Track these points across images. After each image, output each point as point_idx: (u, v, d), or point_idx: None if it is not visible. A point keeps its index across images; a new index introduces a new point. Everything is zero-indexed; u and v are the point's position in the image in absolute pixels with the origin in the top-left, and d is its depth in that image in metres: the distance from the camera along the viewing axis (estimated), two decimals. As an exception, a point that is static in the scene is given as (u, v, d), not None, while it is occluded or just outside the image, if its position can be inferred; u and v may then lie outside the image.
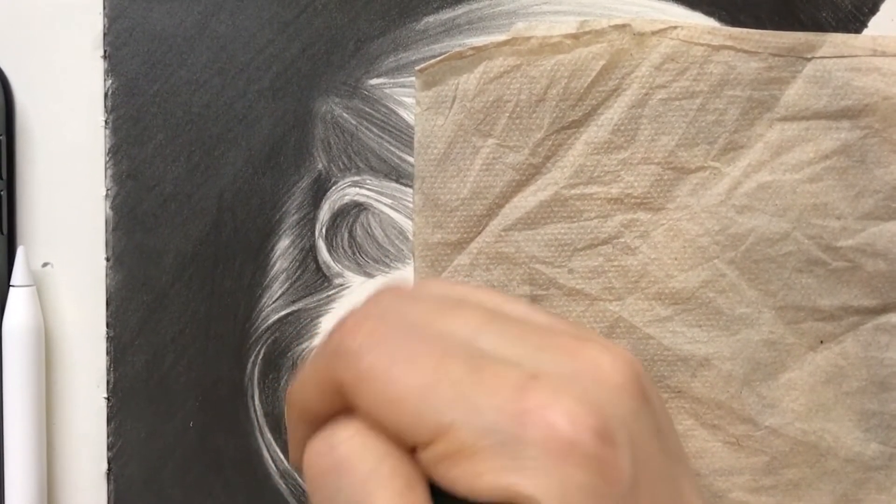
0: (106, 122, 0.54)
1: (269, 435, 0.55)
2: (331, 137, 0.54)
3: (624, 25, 0.51)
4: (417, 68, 0.53)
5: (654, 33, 0.51)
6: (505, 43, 0.52)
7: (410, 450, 0.31)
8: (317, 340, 0.55)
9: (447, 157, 0.53)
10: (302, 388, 0.34)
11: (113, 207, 0.55)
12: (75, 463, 0.56)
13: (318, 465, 0.31)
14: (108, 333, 0.55)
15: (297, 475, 0.55)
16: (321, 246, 0.55)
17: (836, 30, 0.53)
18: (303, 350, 0.55)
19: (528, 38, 0.52)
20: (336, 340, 0.32)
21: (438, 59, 0.52)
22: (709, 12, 0.53)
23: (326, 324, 0.55)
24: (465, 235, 0.53)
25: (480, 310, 0.34)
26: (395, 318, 0.33)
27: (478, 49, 0.52)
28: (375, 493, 0.30)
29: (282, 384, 0.55)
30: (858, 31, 0.53)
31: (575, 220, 0.52)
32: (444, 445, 0.29)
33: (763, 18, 0.53)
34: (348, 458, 0.31)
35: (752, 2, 0.53)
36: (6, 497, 0.54)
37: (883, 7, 0.53)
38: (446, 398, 0.29)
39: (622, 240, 0.52)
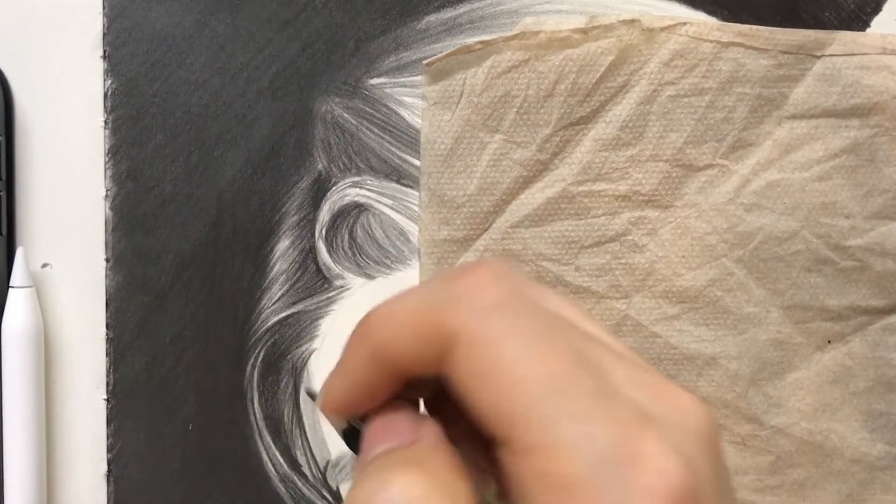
0: (105, 122, 0.54)
1: (268, 438, 0.55)
2: (331, 137, 0.54)
3: (633, 21, 0.51)
4: (425, 62, 0.52)
5: (663, 29, 0.51)
6: (513, 37, 0.52)
7: (485, 442, 0.28)
8: (317, 343, 0.55)
9: (454, 153, 0.52)
10: (391, 322, 0.30)
11: (112, 208, 0.54)
12: (75, 464, 0.56)
13: None
14: (107, 334, 0.55)
15: (293, 475, 0.55)
16: (321, 247, 0.54)
17: (838, 29, 0.53)
18: (303, 352, 0.55)
19: (537, 33, 0.52)
20: (463, 288, 0.29)
21: (446, 53, 0.52)
22: (711, 11, 0.53)
23: (327, 326, 0.55)
24: (471, 232, 0.53)
25: (600, 325, 0.31)
26: (526, 293, 0.30)
27: (486, 43, 0.52)
28: None
29: (281, 387, 0.55)
30: (861, 30, 0.53)
31: (582, 217, 0.52)
32: (545, 465, 0.27)
33: (765, 17, 0.53)
34: None
35: (755, 1, 0.53)
36: (6, 498, 0.54)
37: (886, 6, 0.53)
38: (567, 409, 0.27)
39: (629, 237, 0.52)
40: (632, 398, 0.28)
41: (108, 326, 0.55)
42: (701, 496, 0.27)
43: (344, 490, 0.55)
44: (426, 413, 0.33)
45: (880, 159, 0.52)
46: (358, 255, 0.54)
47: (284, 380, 0.55)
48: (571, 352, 0.28)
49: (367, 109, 0.54)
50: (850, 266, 0.52)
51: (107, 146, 0.54)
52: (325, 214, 0.54)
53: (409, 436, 0.31)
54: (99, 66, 0.54)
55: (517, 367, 0.27)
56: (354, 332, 0.31)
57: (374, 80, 0.54)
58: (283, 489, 0.55)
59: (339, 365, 0.32)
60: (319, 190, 0.54)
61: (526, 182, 0.52)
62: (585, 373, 0.28)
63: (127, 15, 0.54)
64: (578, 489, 0.26)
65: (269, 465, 0.55)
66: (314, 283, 0.55)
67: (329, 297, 0.55)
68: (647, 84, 0.52)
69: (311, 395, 0.52)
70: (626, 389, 0.28)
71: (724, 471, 0.30)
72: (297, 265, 0.55)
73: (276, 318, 0.55)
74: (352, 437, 0.38)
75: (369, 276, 0.55)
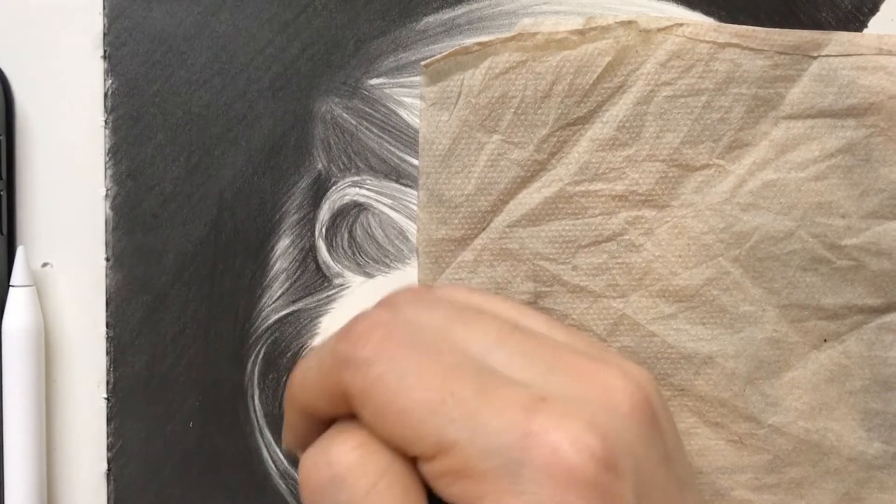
0: (106, 122, 0.54)
1: (268, 435, 0.55)
2: (331, 137, 0.54)
3: (630, 22, 0.51)
4: (423, 63, 0.52)
5: (660, 30, 0.52)
6: (511, 39, 0.52)
7: (412, 460, 0.31)
8: (317, 340, 0.55)
9: (452, 153, 0.53)
10: (304, 387, 0.35)
11: (113, 207, 0.54)
12: (75, 463, 0.56)
13: (317, 478, 0.32)
14: (107, 333, 0.55)
15: (294, 471, 0.55)
16: (321, 246, 0.55)
17: (835, 30, 0.53)
18: (303, 350, 0.55)
19: (534, 34, 0.52)
20: (345, 347, 0.32)
21: (444, 54, 0.52)
22: (708, 12, 0.53)
23: (327, 324, 0.55)
24: (469, 232, 0.53)
25: (497, 322, 0.34)
26: (406, 327, 0.33)
27: (483, 44, 0.52)
28: None
29: (282, 384, 0.55)
30: (858, 30, 0.53)
31: (579, 216, 0.52)
32: (446, 462, 0.29)
33: (762, 18, 0.53)
34: (347, 473, 0.31)
35: (752, 2, 0.53)
36: (6, 498, 0.54)
37: (883, 7, 0.54)
38: (451, 416, 0.30)
39: (626, 237, 0.52)
40: (526, 386, 0.31)
41: (108, 325, 0.55)
42: (616, 463, 0.28)
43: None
44: None
45: (876, 159, 0.52)
46: (357, 254, 0.55)
47: (285, 377, 0.55)
48: (443, 369, 0.31)
49: (367, 109, 0.54)
50: (845, 265, 0.52)
51: (107, 146, 0.54)
52: (324, 213, 0.54)
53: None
54: (99, 65, 0.54)
55: (397, 401, 0.31)
56: (286, 392, 0.37)
57: (374, 81, 0.54)
58: (283, 486, 0.55)
59: (285, 415, 0.37)
60: (319, 189, 0.54)
61: (523, 182, 0.52)
62: (463, 381, 0.31)
63: (127, 15, 0.54)
64: (478, 477, 0.29)
65: (270, 462, 0.55)
66: (314, 281, 0.55)
67: (329, 296, 0.55)
68: (644, 85, 0.52)
69: None
70: (534, 379, 0.31)
71: (660, 444, 0.31)
72: (298, 264, 0.55)
73: (276, 316, 0.55)
74: None
75: (368, 275, 0.55)
